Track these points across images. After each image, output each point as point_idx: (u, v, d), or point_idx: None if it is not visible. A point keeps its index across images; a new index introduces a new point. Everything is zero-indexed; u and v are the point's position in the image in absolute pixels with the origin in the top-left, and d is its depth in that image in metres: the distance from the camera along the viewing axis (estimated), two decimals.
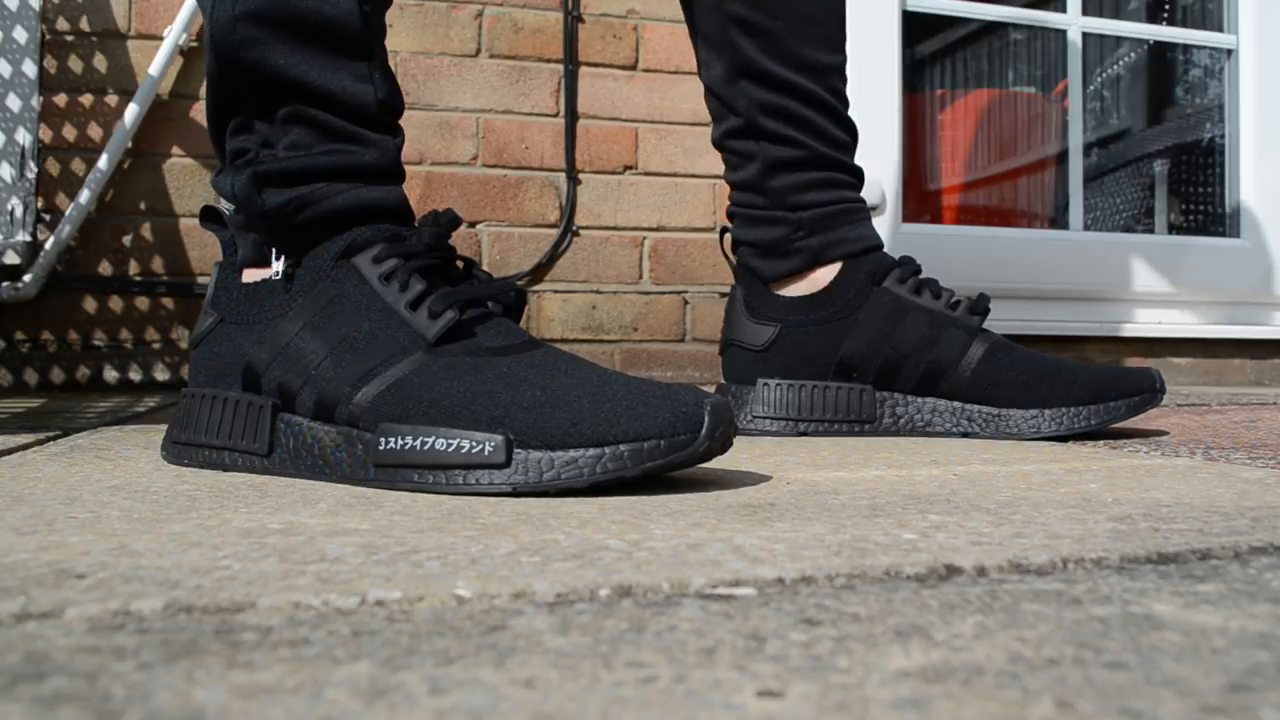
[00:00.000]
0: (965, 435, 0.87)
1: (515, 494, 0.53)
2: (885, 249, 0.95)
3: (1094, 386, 0.85)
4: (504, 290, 0.65)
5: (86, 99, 1.46)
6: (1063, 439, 0.85)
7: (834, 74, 0.93)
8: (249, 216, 0.65)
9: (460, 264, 0.68)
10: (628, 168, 1.66)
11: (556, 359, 0.60)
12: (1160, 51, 2.42)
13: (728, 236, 0.99)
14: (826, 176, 0.93)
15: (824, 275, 0.93)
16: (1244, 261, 2.00)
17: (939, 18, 2.06)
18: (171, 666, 0.26)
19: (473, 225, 1.59)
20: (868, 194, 1.70)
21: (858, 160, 0.97)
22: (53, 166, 1.45)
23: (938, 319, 0.89)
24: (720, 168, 1.70)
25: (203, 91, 1.50)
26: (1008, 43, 2.40)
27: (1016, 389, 0.86)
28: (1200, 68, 2.33)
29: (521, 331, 0.63)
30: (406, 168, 1.37)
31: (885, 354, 0.89)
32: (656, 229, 1.67)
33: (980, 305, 0.90)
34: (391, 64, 1.56)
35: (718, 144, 0.98)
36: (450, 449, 0.54)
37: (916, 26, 2.11)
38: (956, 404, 0.88)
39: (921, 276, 0.92)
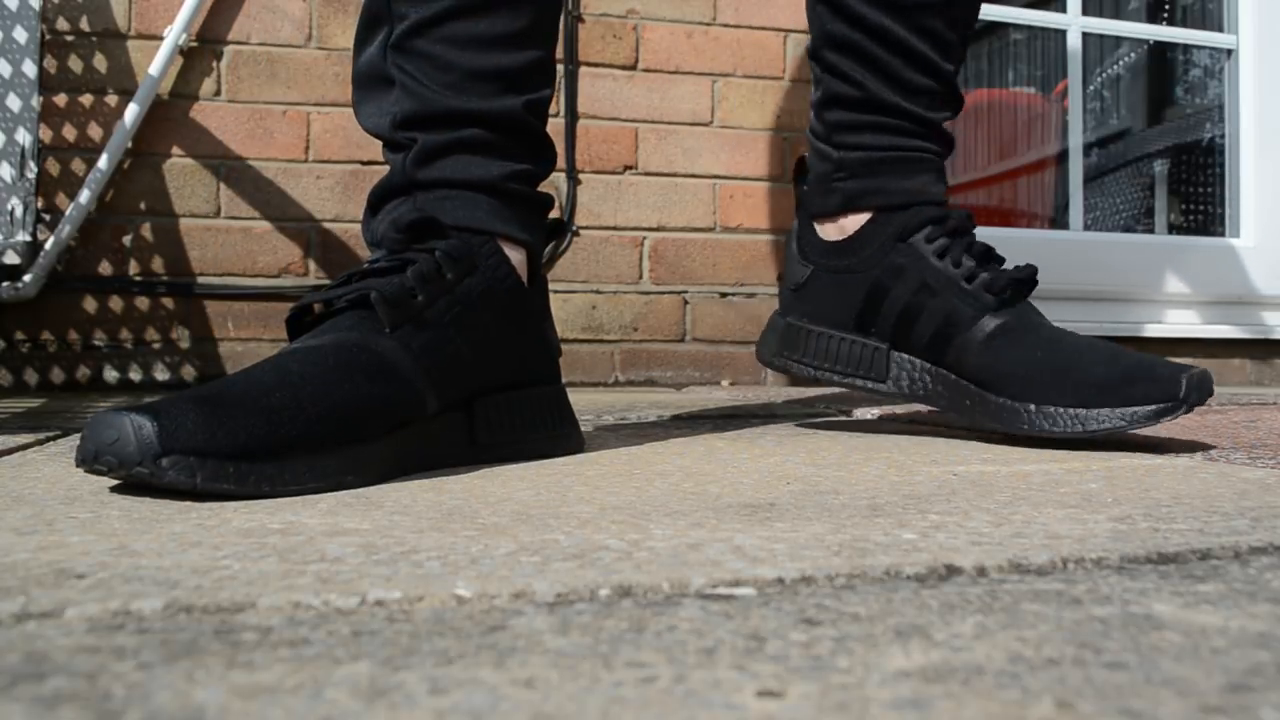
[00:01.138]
0: (956, 413, 0.85)
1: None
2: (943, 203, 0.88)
3: (1099, 389, 0.75)
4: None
5: (86, 99, 1.46)
6: (1060, 442, 0.81)
7: (929, 13, 0.85)
8: None
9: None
10: (628, 168, 1.66)
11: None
12: (1160, 51, 2.42)
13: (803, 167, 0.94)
14: (880, 121, 0.87)
15: (853, 223, 0.88)
16: (1244, 261, 2.00)
17: None
18: (171, 666, 0.26)
19: None
20: None
21: None
22: (53, 166, 1.45)
23: (943, 288, 0.83)
24: (720, 168, 1.70)
25: (202, 91, 1.50)
26: (1008, 43, 2.40)
27: (1015, 381, 0.79)
28: (1200, 68, 2.33)
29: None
30: None
31: (896, 313, 0.86)
32: (656, 229, 1.67)
33: (997, 283, 0.82)
34: None
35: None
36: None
37: None
38: (962, 381, 0.83)
39: (959, 237, 0.84)
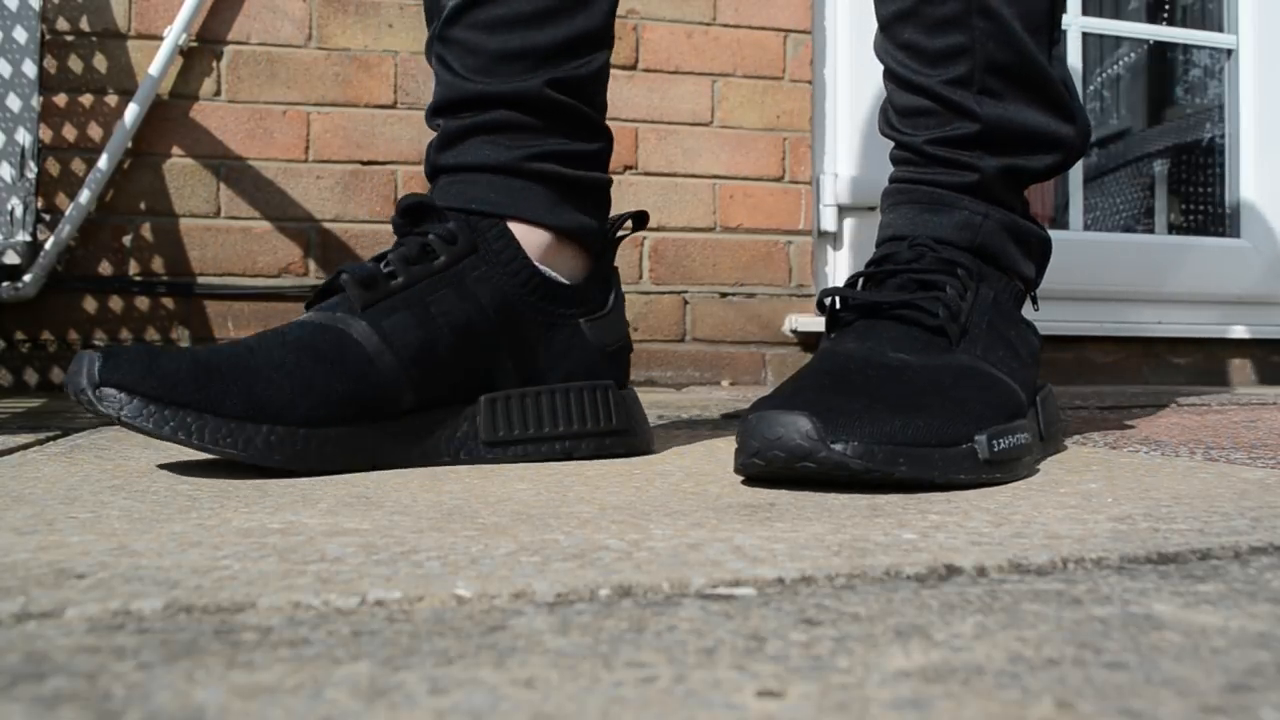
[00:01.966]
0: None
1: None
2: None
3: None
4: None
5: (86, 99, 1.46)
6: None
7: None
8: None
9: None
10: (628, 168, 1.66)
11: None
12: (1160, 51, 2.42)
13: None
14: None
15: None
16: (1244, 261, 2.00)
17: None
18: (171, 666, 0.26)
19: None
20: (866, 196, 1.70)
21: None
22: (53, 166, 1.45)
23: None
24: (720, 168, 1.70)
25: (202, 91, 1.50)
26: None
27: None
28: (1200, 68, 2.33)
29: None
30: (409, 168, 1.38)
31: None
32: (656, 229, 1.67)
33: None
34: (391, 64, 1.57)
35: None
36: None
37: None
38: None
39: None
